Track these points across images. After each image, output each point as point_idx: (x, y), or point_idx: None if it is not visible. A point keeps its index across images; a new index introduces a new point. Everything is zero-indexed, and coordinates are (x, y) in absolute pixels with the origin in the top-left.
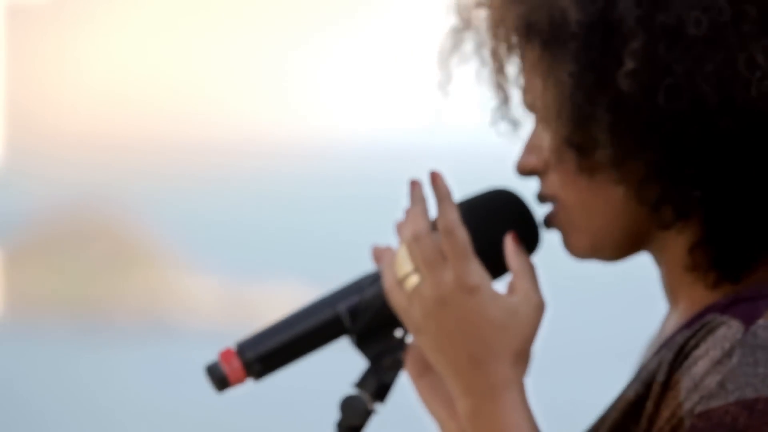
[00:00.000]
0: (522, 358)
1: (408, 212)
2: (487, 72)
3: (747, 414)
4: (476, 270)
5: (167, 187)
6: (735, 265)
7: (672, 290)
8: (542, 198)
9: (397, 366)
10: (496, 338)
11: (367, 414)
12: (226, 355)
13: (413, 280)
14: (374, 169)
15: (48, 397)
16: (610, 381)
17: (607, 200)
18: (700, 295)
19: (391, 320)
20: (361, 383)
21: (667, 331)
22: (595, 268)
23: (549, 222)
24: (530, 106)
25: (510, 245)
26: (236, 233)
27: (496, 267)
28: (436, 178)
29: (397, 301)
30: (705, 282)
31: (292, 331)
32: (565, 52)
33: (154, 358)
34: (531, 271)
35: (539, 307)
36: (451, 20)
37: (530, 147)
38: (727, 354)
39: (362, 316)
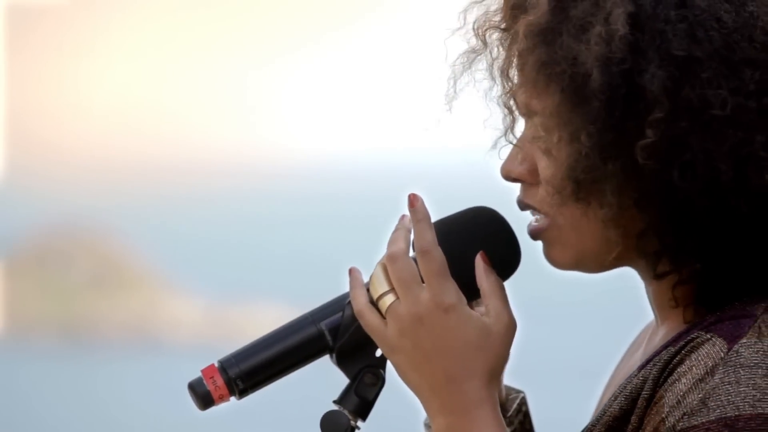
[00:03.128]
0: (496, 377)
1: (390, 236)
2: (494, 92)
3: None
4: (452, 289)
5: (154, 207)
6: (717, 303)
7: (659, 307)
8: (524, 206)
9: (378, 383)
10: (472, 357)
11: (348, 430)
12: (208, 371)
13: (389, 299)
14: (358, 188)
15: (37, 409)
16: (576, 399)
17: (599, 227)
18: (686, 315)
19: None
20: (342, 400)
21: (652, 344)
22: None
23: (534, 234)
24: (535, 135)
25: (480, 266)
26: (220, 253)
27: (474, 287)
28: (413, 200)
29: (370, 321)
30: (686, 312)
31: (274, 349)
32: (587, 110)
33: (140, 373)
34: (501, 290)
35: (511, 327)
36: (466, 39)
37: (522, 156)
38: (710, 372)
39: (343, 334)
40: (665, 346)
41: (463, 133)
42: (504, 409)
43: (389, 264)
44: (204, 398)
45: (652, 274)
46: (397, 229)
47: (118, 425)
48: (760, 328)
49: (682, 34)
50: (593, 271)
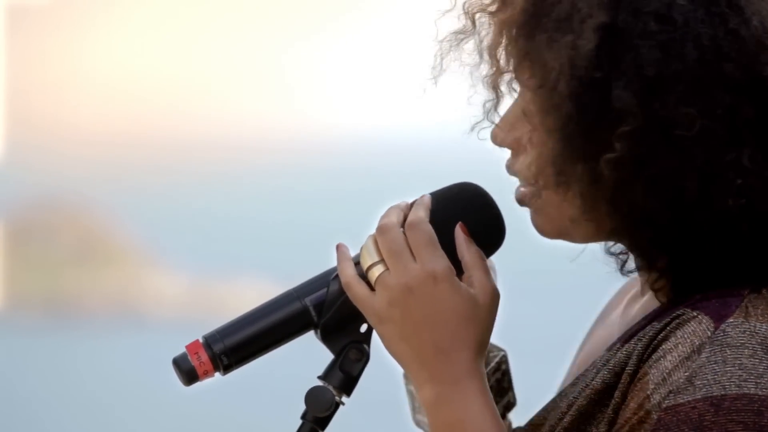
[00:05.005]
0: (484, 348)
1: (384, 212)
2: (482, 70)
3: (713, 411)
4: (442, 260)
5: (137, 182)
6: (692, 292)
7: (642, 277)
8: (512, 172)
9: (362, 358)
10: (462, 328)
11: (333, 406)
12: (193, 347)
13: (378, 269)
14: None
15: (19, 383)
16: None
17: (582, 199)
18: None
19: (357, 313)
20: (326, 375)
21: (631, 312)
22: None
23: (520, 200)
24: (523, 109)
25: (460, 237)
26: (205, 228)
27: (457, 261)
28: (423, 197)
29: (358, 292)
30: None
31: (258, 325)
32: (557, 115)
33: (125, 348)
34: (482, 261)
35: (495, 298)
36: (453, 20)
37: (512, 124)
38: (696, 350)
39: (328, 310)
40: (649, 321)
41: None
42: None
43: (379, 235)
44: (188, 374)
45: (622, 272)
46: (391, 207)
47: (101, 400)
48: (746, 308)
49: (656, 51)
50: (579, 242)
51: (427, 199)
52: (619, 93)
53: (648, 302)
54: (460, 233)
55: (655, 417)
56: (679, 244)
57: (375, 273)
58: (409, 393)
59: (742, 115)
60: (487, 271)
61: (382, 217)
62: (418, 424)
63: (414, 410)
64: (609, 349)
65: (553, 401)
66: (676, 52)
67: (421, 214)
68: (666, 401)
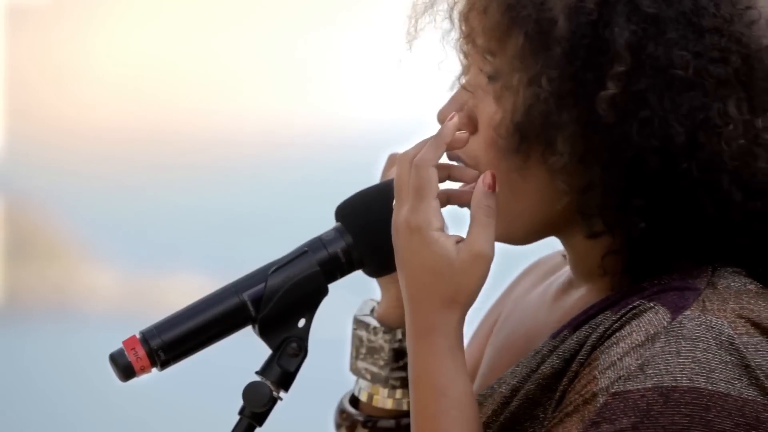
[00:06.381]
0: (455, 305)
1: (431, 140)
2: (453, 35)
3: (662, 401)
4: (425, 211)
5: (71, 174)
6: (645, 274)
7: (581, 272)
8: (455, 156)
9: (300, 354)
10: (428, 282)
11: (270, 401)
12: (130, 342)
13: None
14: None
15: None
16: None
17: (534, 186)
18: (612, 283)
19: (295, 308)
20: (264, 371)
21: (570, 299)
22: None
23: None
24: (490, 75)
25: (480, 188)
26: (141, 222)
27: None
28: (449, 120)
29: None
30: (612, 280)
31: (196, 320)
32: (548, 55)
33: (60, 344)
34: (485, 218)
35: (479, 257)
36: None
37: (463, 102)
38: (651, 339)
39: (266, 305)
40: (601, 309)
41: None
42: None
43: (398, 164)
44: (125, 370)
45: (587, 233)
46: (435, 137)
47: (37, 396)
48: (704, 302)
49: None
50: (519, 239)
51: (450, 130)
52: (617, 33)
53: (589, 293)
54: (480, 185)
55: (602, 400)
56: (659, 198)
57: None
58: (356, 338)
59: (731, 64)
60: (485, 230)
61: (415, 146)
62: (356, 371)
63: (356, 356)
64: (554, 336)
65: (490, 387)
66: None
67: (432, 156)
68: (615, 386)
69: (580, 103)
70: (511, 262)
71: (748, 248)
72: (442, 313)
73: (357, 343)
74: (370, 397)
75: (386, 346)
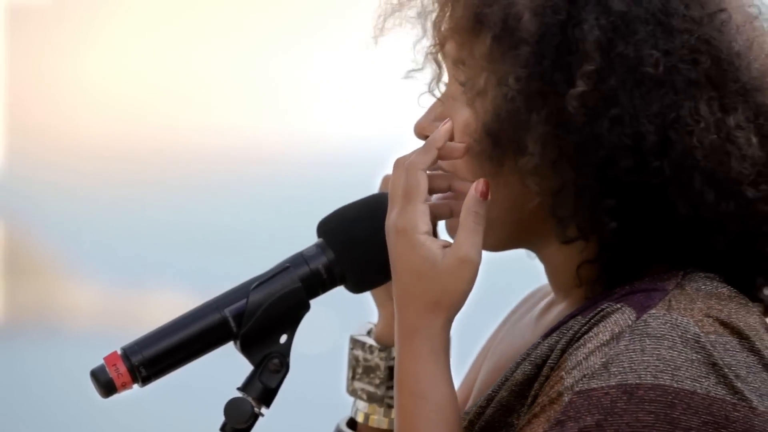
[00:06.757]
0: (438, 309)
1: (426, 142)
2: (424, 44)
3: (626, 399)
4: (412, 214)
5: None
6: (618, 281)
7: (559, 286)
8: (437, 166)
9: (282, 370)
10: (412, 284)
11: (252, 417)
12: (111, 359)
13: None
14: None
15: None
16: None
17: (508, 194)
18: (587, 292)
19: (276, 324)
20: (246, 387)
21: (551, 315)
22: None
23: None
24: (462, 82)
25: (471, 195)
26: (122, 238)
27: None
28: (443, 125)
29: None
30: (587, 289)
31: (177, 336)
32: (516, 54)
33: (41, 360)
34: (473, 224)
35: (465, 262)
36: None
37: (438, 113)
38: (615, 337)
39: (247, 321)
40: (572, 316)
41: None
42: None
43: (394, 169)
44: (107, 386)
45: (562, 239)
46: (432, 140)
47: (17, 413)
48: (670, 301)
49: None
50: (492, 246)
51: (442, 135)
52: (587, 31)
53: (567, 307)
54: (473, 191)
55: (567, 399)
56: (631, 199)
57: None
58: (353, 358)
59: (701, 64)
60: (474, 237)
61: (413, 152)
62: (353, 392)
63: (352, 377)
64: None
65: (474, 405)
66: None
67: (424, 161)
68: (579, 385)
69: (550, 103)
70: (499, 269)
71: (722, 253)
72: (425, 316)
73: (353, 363)
74: (367, 417)
75: (382, 364)
